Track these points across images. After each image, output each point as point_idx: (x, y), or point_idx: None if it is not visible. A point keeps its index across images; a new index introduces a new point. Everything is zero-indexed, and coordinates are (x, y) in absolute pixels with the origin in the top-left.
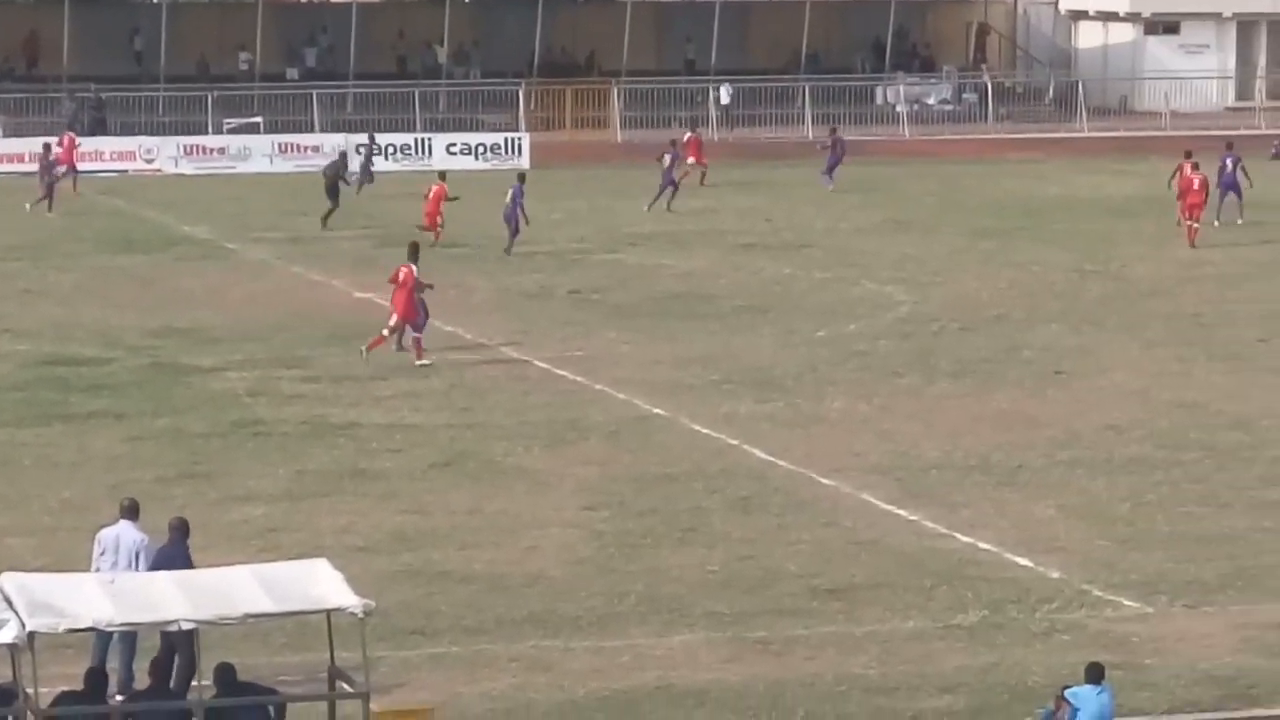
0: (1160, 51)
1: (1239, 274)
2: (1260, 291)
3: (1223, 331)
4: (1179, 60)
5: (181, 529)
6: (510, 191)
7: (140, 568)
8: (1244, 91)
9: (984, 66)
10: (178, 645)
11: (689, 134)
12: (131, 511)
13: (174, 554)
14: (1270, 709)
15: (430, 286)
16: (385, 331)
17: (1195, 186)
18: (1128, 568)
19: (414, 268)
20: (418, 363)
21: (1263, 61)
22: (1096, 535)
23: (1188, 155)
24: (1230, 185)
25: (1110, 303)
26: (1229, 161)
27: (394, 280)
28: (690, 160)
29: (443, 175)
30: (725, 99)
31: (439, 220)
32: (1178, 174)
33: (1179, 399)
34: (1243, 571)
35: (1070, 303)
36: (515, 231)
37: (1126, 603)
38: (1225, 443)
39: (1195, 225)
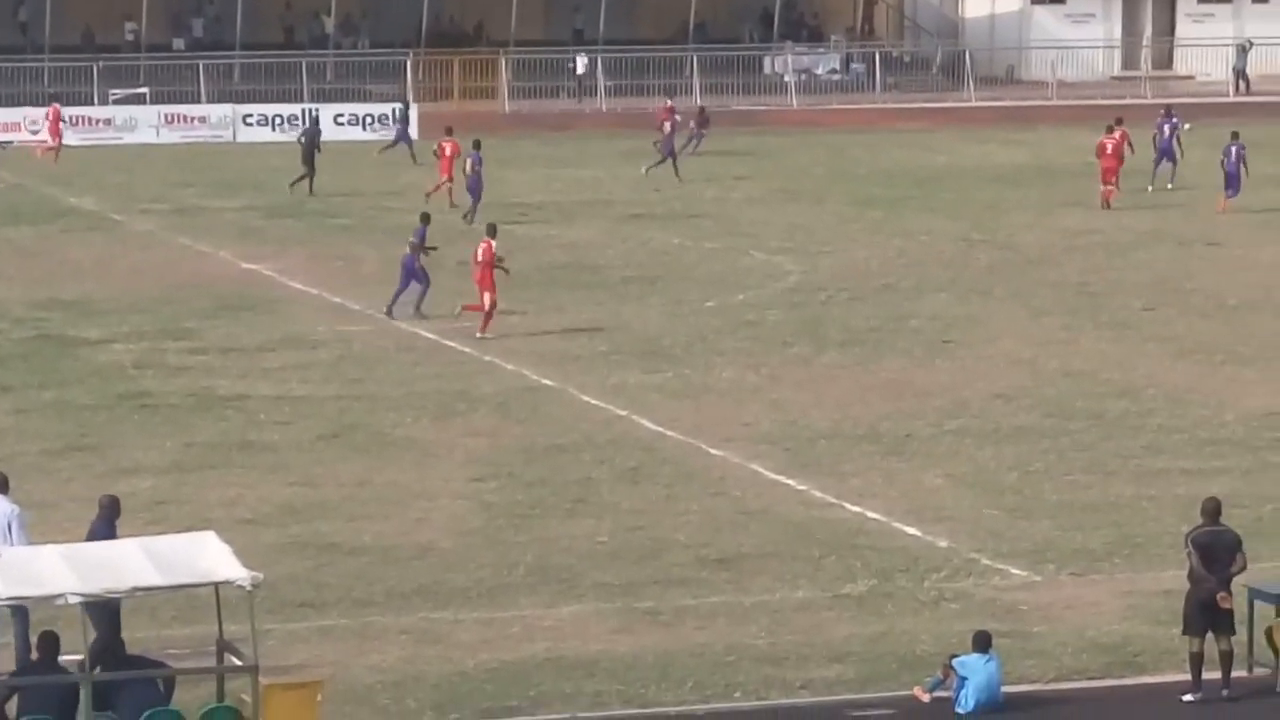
0: (1047, 21)
1: (1126, 242)
2: (1146, 260)
3: (1109, 300)
4: (1065, 30)
5: (111, 507)
6: (469, 160)
7: (14, 540)
8: (1130, 61)
9: (872, 36)
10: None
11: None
12: (1, 484)
13: (103, 533)
14: (1156, 676)
15: (432, 250)
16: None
17: (1109, 151)
18: (1015, 536)
19: (493, 242)
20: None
21: (1148, 31)
22: (984, 504)
23: (1118, 122)
24: (1166, 152)
25: (998, 272)
26: (1166, 128)
27: (475, 260)
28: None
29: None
30: (580, 69)
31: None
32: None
33: (1066, 368)
34: (1129, 539)
35: (958, 272)
36: (477, 199)
37: (1014, 571)
38: (1112, 411)
39: (1108, 188)
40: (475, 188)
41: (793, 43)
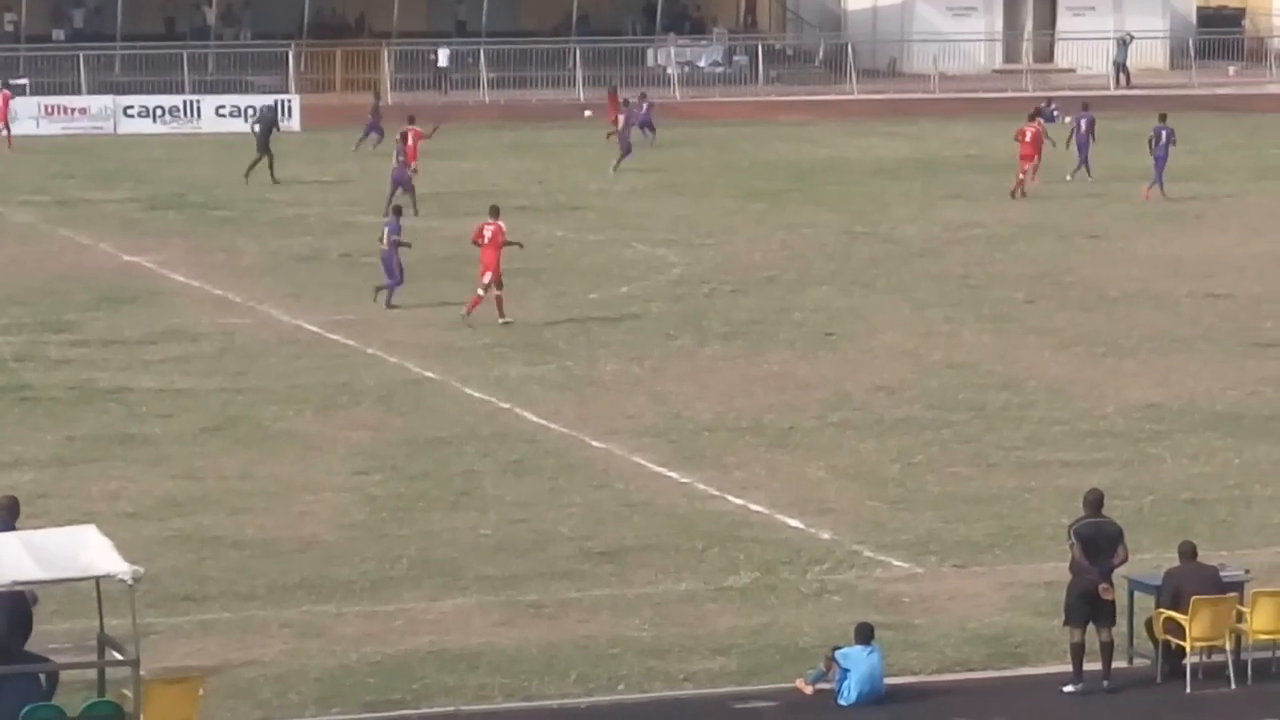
0: (928, 13)
1: (1006, 235)
2: (1026, 252)
3: (991, 293)
4: (947, 22)
5: (10, 508)
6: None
7: None
8: (1011, 54)
9: (755, 28)
10: None
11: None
12: None
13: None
14: (1037, 667)
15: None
16: (480, 291)
17: (1026, 139)
18: (898, 528)
19: (502, 225)
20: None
21: (1029, 24)
22: (867, 496)
23: (1038, 111)
24: (1082, 144)
25: (880, 264)
26: (1082, 122)
27: (478, 238)
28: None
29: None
30: (444, 62)
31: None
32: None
33: (948, 360)
34: (1010, 531)
35: (840, 264)
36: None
37: (896, 563)
38: (994, 403)
39: (1021, 178)
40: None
41: (675, 35)
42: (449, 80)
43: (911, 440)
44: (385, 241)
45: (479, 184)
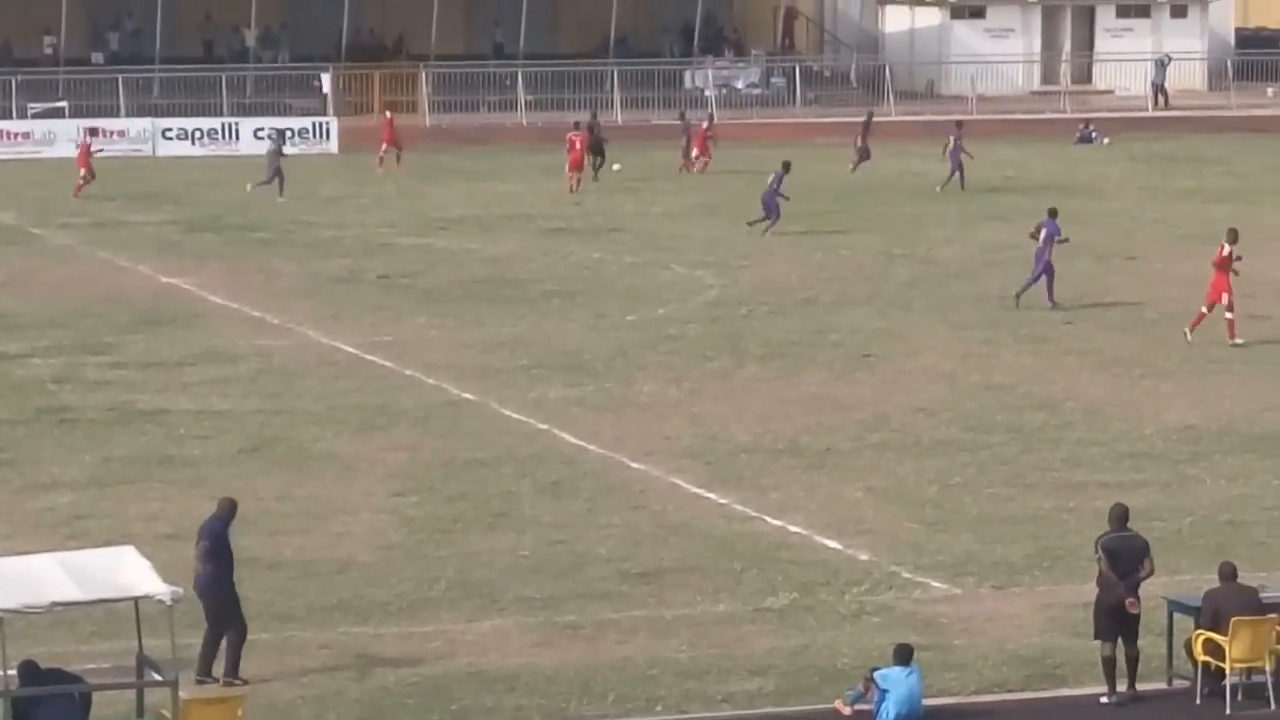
0: (966, 35)
1: None
2: (1064, 274)
3: (1028, 314)
4: (985, 44)
5: (231, 508)
6: (772, 176)
7: None
8: (1049, 75)
9: (792, 50)
10: None
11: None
12: None
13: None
14: (1076, 689)
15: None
16: (1205, 309)
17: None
18: (936, 549)
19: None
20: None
21: (1067, 46)
22: (905, 517)
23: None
24: (954, 156)
25: (918, 285)
26: (953, 138)
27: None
28: (694, 152)
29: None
30: (326, 88)
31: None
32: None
33: (986, 381)
34: (1048, 552)
35: (878, 286)
36: (770, 216)
37: (935, 584)
38: (1031, 424)
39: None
40: (769, 202)
41: (713, 57)
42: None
43: (949, 461)
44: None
45: (516, 206)
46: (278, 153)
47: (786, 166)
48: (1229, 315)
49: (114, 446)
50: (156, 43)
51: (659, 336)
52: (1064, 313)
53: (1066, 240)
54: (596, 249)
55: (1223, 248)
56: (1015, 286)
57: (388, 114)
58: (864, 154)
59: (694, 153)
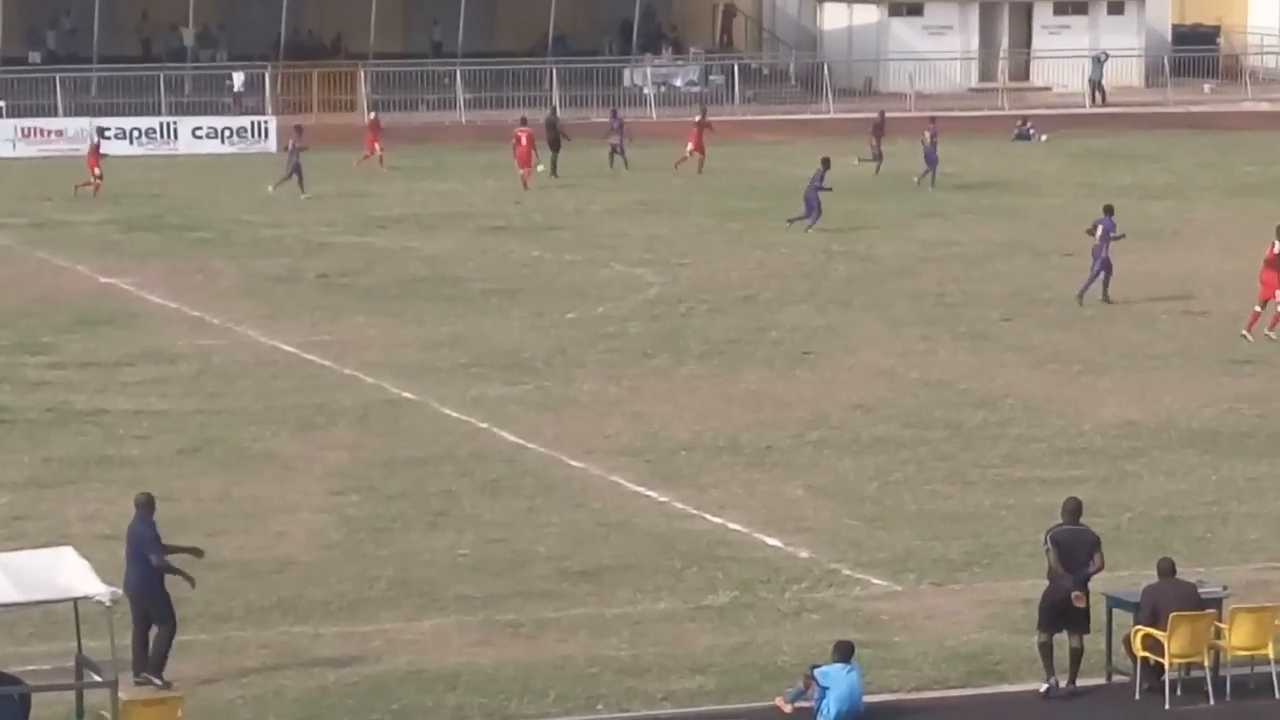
0: (904, 33)
1: (982, 254)
2: (1003, 270)
3: (967, 311)
4: (923, 41)
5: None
6: (814, 173)
7: None
8: (987, 72)
9: (731, 48)
10: None
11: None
12: None
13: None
14: (1015, 684)
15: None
16: (1258, 308)
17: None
18: (876, 546)
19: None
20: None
21: (1005, 43)
22: (845, 514)
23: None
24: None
25: (857, 283)
26: (929, 134)
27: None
28: (689, 147)
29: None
30: (238, 86)
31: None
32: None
33: (925, 378)
34: (987, 549)
35: (818, 283)
36: (810, 214)
37: (875, 581)
38: (971, 421)
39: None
40: (811, 200)
41: (652, 55)
42: (240, 104)
43: (889, 458)
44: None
45: (455, 204)
46: (297, 149)
47: (826, 163)
48: None
49: (52, 447)
50: (94, 42)
51: (599, 334)
52: (1113, 305)
53: (1123, 236)
54: (536, 247)
55: (1273, 245)
56: (953, 283)
57: (373, 115)
58: (877, 155)
59: (689, 148)
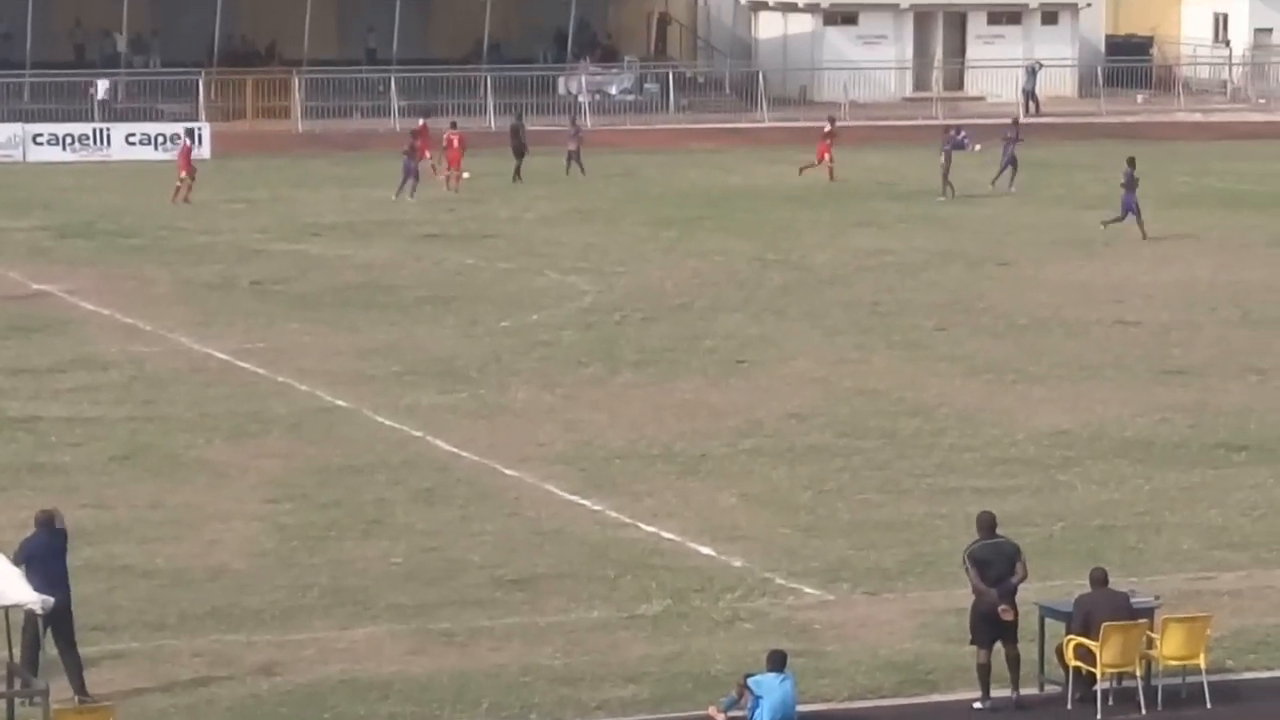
0: (839, 42)
1: (917, 263)
2: (937, 280)
3: (901, 320)
4: (857, 51)
5: (47, 523)
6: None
7: None
8: (921, 82)
9: (665, 56)
10: None
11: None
12: None
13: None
14: (948, 694)
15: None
16: None
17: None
18: (809, 555)
19: None
20: None
21: (939, 52)
22: (779, 523)
23: (831, 121)
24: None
25: (791, 292)
26: (958, 138)
27: None
28: (825, 158)
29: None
30: (102, 94)
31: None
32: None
33: (859, 387)
34: (921, 558)
35: (752, 292)
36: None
37: (808, 590)
38: (904, 430)
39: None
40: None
41: (587, 63)
42: (104, 111)
43: (822, 467)
44: None
45: (389, 212)
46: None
47: (1131, 162)
48: None
49: None
50: (27, 47)
51: (533, 343)
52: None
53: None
54: (470, 255)
55: None
56: (888, 292)
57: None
58: (1011, 163)
59: (825, 158)
